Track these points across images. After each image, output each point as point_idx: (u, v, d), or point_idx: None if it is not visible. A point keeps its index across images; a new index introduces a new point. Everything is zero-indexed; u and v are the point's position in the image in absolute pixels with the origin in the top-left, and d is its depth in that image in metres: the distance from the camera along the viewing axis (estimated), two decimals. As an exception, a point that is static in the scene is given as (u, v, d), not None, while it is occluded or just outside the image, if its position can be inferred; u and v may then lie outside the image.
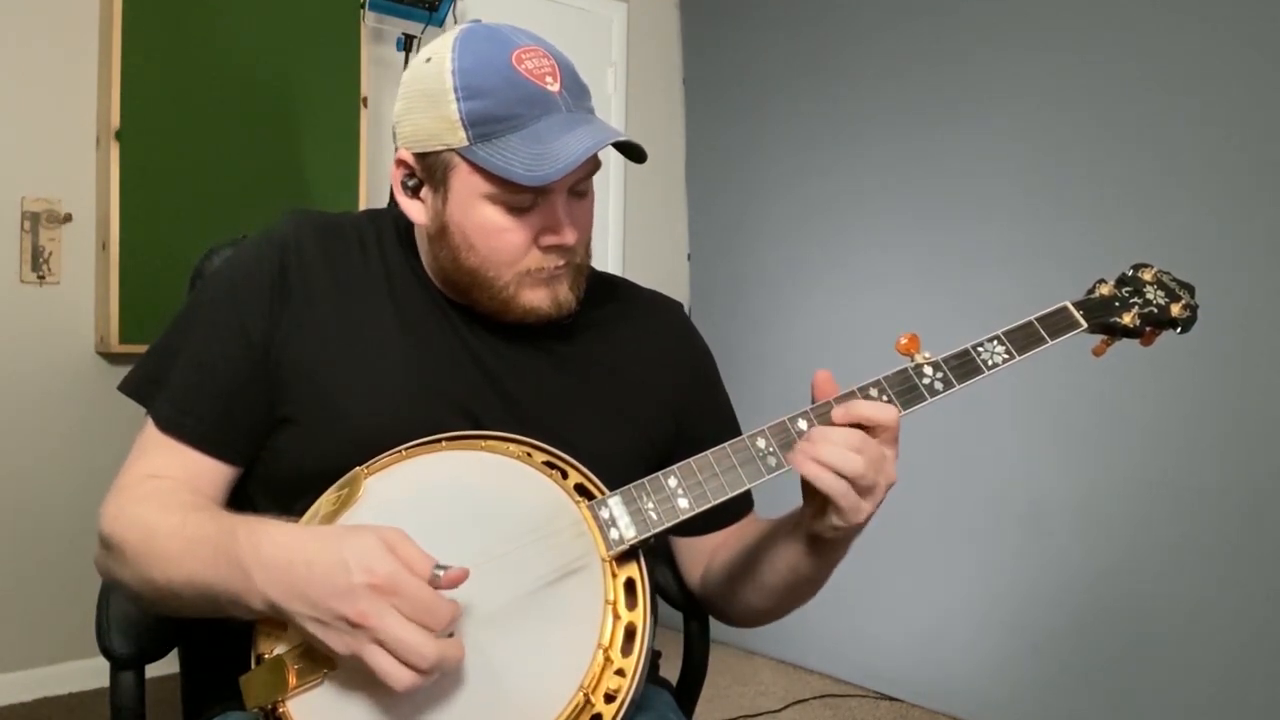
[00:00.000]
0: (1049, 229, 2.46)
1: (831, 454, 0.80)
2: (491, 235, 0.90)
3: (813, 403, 0.87)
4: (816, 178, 3.06)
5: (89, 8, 2.48)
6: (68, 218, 2.48)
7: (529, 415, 0.94)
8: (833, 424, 0.84)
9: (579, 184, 0.92)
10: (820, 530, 0.86)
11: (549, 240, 0.91)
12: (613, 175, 3.51)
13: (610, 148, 0.88)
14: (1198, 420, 2.20)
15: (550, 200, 0.90)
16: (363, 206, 2.80)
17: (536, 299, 0.93)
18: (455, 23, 2.88)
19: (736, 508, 1.03)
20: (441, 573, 0.73)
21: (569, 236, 0.91)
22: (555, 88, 0.88)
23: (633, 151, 0.90)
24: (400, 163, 0.93)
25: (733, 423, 1.10)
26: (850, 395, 0.87)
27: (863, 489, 0.81)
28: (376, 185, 2.82)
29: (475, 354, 0.96)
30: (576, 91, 0.91)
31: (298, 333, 0.92)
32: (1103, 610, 2.32)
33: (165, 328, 0.97)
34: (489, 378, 0.95)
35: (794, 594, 0.96)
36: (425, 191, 0.92)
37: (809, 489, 0.84)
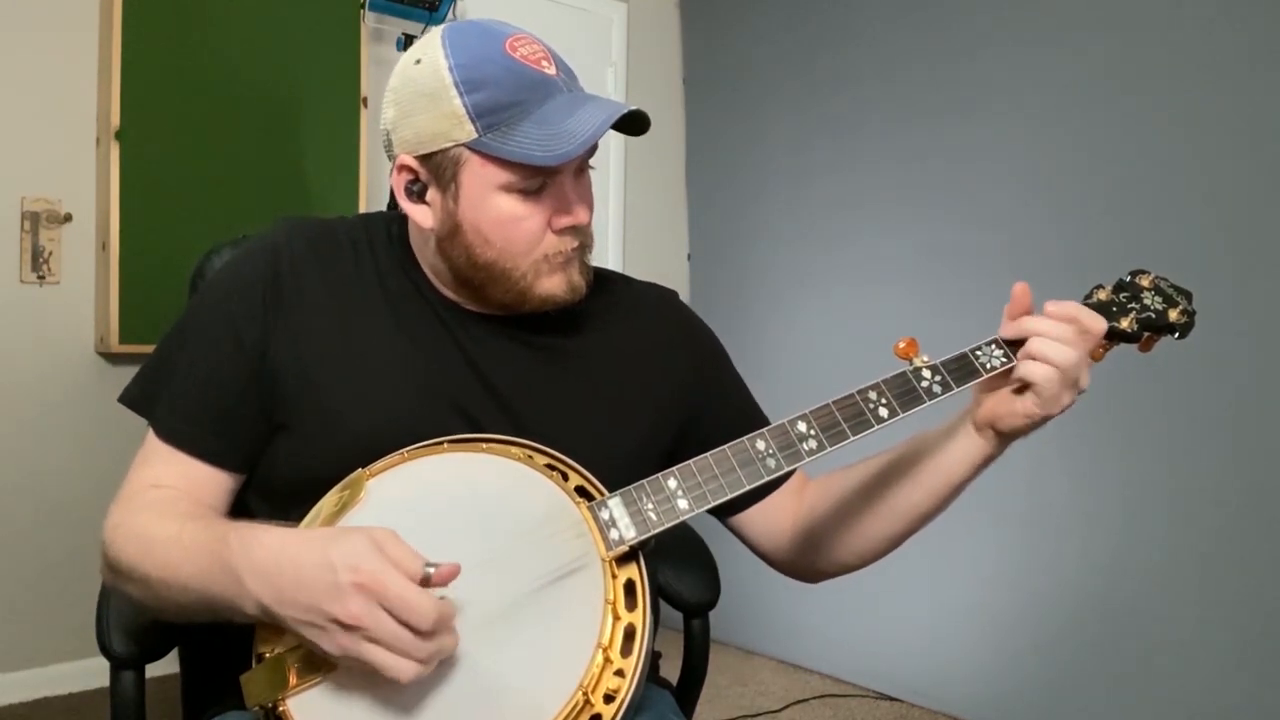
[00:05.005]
0: (1049, 228, 2.46)
1: (1045, 348, 0.86)
2: (508, 224, 0.90)
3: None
4: (817, 177, 3.06)
5: (89, 8, 2.47)
6: (68, 218, 2.48)
7: (527, 418, 0.94)
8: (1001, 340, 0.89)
9: (582, 161, 0.93)
10: (1003, 418, 0.89)
11: (563, 221, 0.91)
12: (613, 175, 3.51)
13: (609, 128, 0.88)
14: (1197, 421, 2.19)
15: (558, 182, 0.90)
16: (363, 207, 2.80)
17: (552, 286, 0.93)
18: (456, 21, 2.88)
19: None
20: (432, 570, 0.74)
21: (582, 215, 0.92)
22: (552, 71, 0.89)
23: (636, 124, 0.90)
24: (402, 168, 0.92)
25: (746, 393, 1.10)
26: (850, 398, 0.88)
27: (1069, 381, 0.86)
28: (376, 185, 2.82)
29: (471, 357, 0.96)
30: (570, 74, 0.92)
31: (292, 340, 0.92)
32: (1102, 610, 2.32)
33: (162, 337, 0.97)
34: (486, 381, 0.95)
35: (932, 509, 0.97)
36: (432, 194, 0.92)
37: (998, 380, 0.89)
